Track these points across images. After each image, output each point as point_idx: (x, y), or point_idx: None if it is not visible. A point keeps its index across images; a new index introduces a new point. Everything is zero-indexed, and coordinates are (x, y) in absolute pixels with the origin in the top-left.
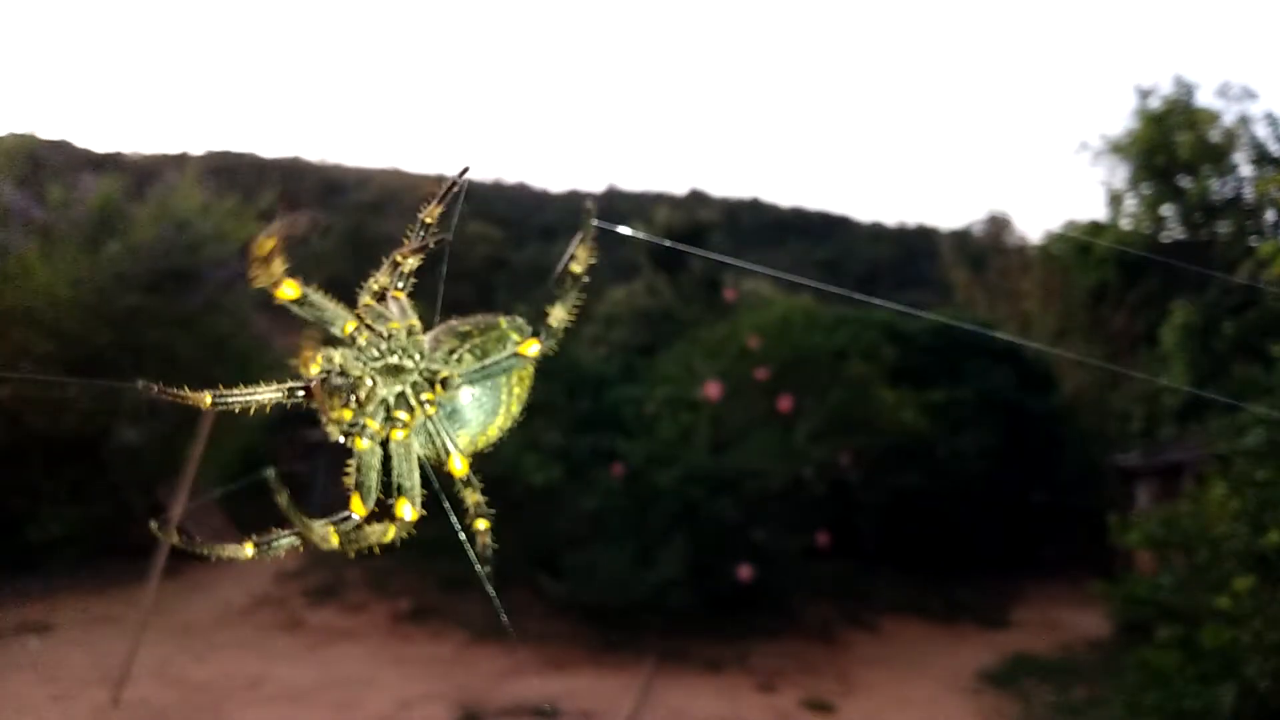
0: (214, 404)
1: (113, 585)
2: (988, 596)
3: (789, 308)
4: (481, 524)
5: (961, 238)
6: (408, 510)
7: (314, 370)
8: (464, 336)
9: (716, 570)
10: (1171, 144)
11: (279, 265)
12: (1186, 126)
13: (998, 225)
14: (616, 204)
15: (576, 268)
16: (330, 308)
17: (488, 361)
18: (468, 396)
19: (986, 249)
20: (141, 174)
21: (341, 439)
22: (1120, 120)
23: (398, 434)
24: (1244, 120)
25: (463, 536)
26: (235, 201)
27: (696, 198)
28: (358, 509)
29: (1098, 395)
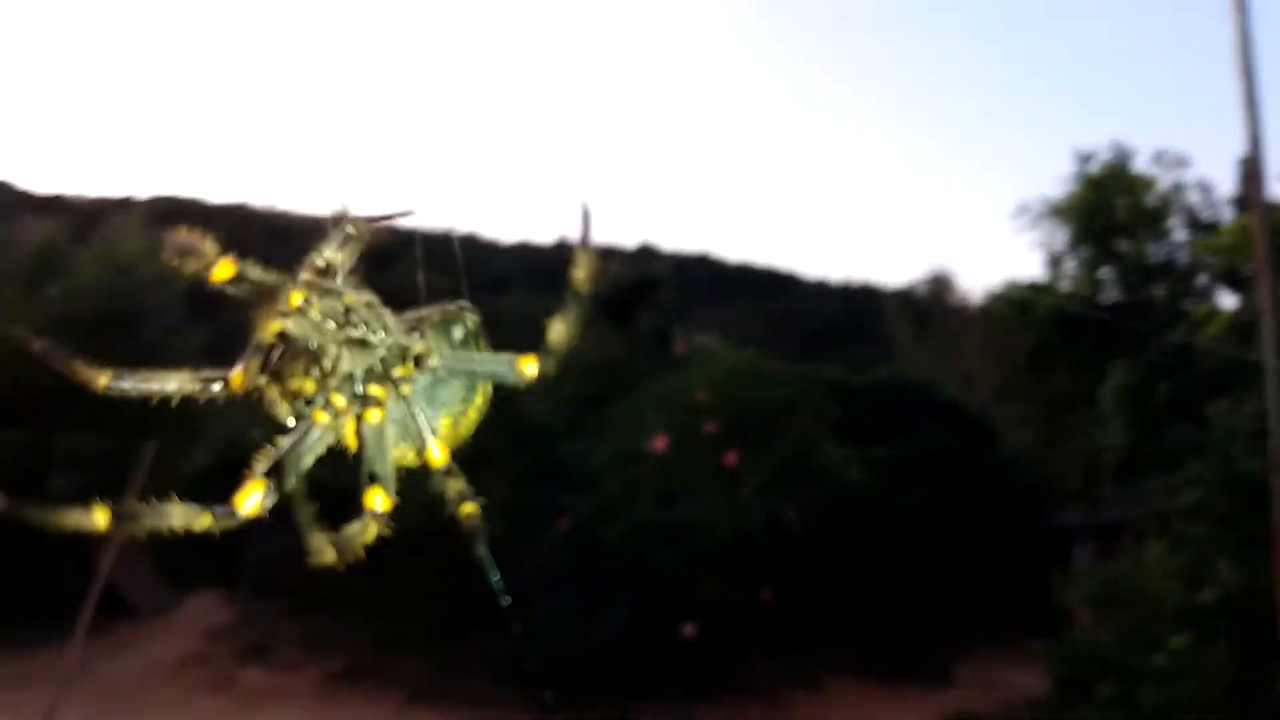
0: (109, 387)
1: (35, 644)
2: (930, 654)
3: (737, 361)
4: (469, 507)
5: (905, 296)
6: (379, 500)
7: (271, 332)
8: (418, 320)
9: (661, 628)
10: (1109, 208)
11: (203, 248)
12: (1123, 192)
13: (940, 284)
14: (567, 256)
15: (580, 285)
16: (272, 278)
17: (456, 336)
18: (444, 373)
19: (929, 307)
20: (85, 217)
21: (292, 421)
22: (1054, 182)
23: (372, 415)
24: (1178, 187)
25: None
26: None
27: (646, 252)
28: (256, 487)
29: (1038, 454)
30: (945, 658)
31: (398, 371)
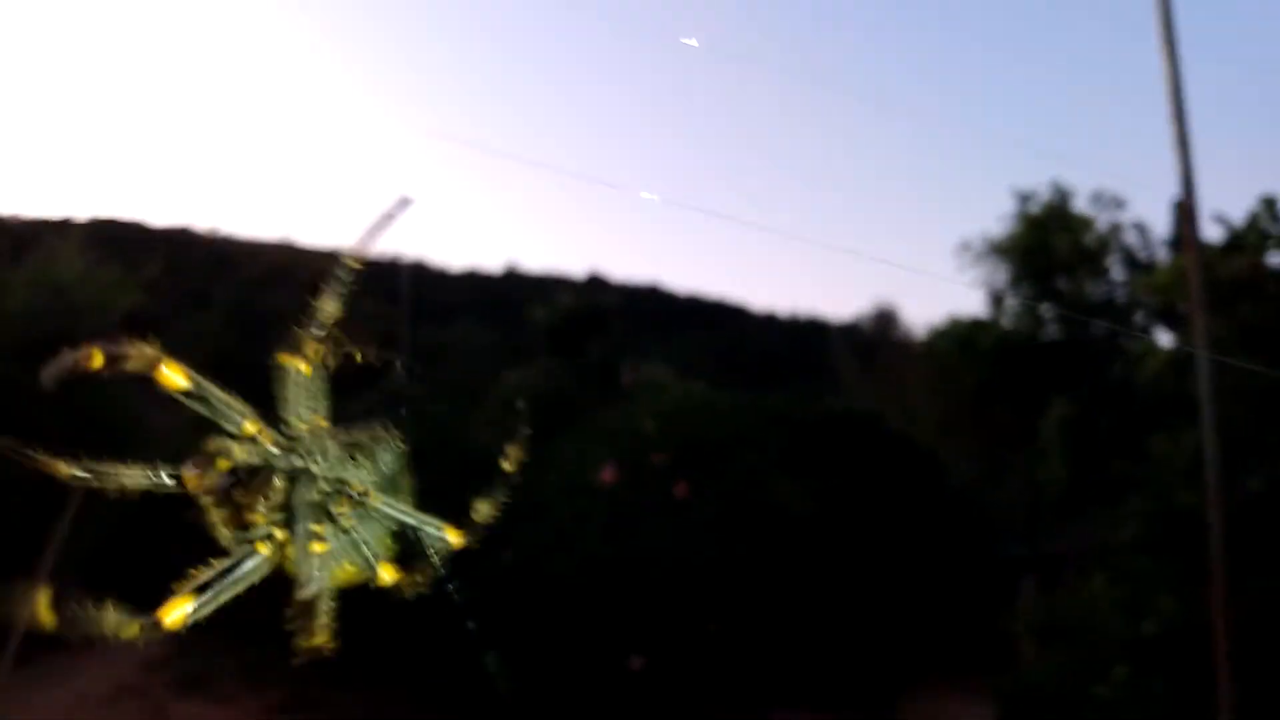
0: (72, 479)
1: None
2: (877, 687)
3: (685, 393)
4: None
5: (850, 330)
6: (320, 635)
7: (222, 467)
8: (353, 444)
9: (608, 660)
10: (1049, 247)
11: (150, 351)
12: (1063, 231)
13: (884, 319)
14: (516, 285)
15: (508, 466)
16: (228, 403)
17: (386, 461)
18: (379, 512)
19: (874, 341)
20: (20, 239)
21: (230, 545)
22: (995, 220)
23: (317, 547)
24: (1116, 227)
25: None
26: (118, 271)
27: (596, 282)
28: (184, 602)
29: (982, 488)
30: (892, 691)
31: (337, 509)
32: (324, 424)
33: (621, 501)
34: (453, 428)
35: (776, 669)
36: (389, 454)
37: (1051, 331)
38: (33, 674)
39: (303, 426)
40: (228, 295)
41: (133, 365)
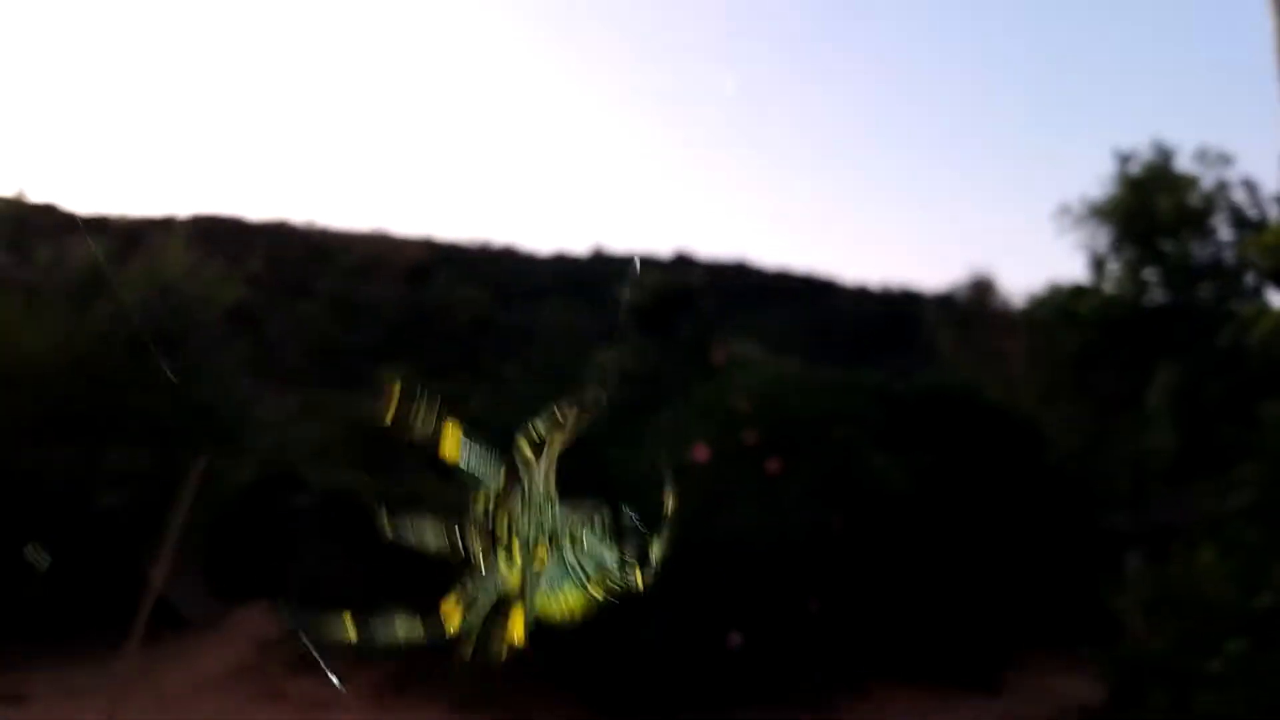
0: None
1: (88, 654)
2: (979, 661)
3: (778, 370)
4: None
5: (945, 301)
6: (518, 629)
7: (478, 510)
8: (573, 509)
9: (703, 637)
10: (1151, 209)
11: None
12: (1166, 191)
13: (981, 288)
14: (604, 267)
15: (670, 505)
16: (485, 467)
17: (597, 525)
18: (591, 550)
19: (971, 312)
20: (127, 237)
21: (479, 558)
22: (1095, 182)
23: (539, 561)
24: (1222, 185)
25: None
26: (221, 265)
27: (682, 260)
28: (451, 615)
29: (1085, 457)
30: (996, 664)
31: (564, 541)
32: (553, 492)
33: (715, 479)
34: (543, 409)
35: (877, 645)
36: (599, 520)
37: (1156, 296)
38: (159, 653)
39: (539, 488)
40: (326, 286)
41: (419, 432)
